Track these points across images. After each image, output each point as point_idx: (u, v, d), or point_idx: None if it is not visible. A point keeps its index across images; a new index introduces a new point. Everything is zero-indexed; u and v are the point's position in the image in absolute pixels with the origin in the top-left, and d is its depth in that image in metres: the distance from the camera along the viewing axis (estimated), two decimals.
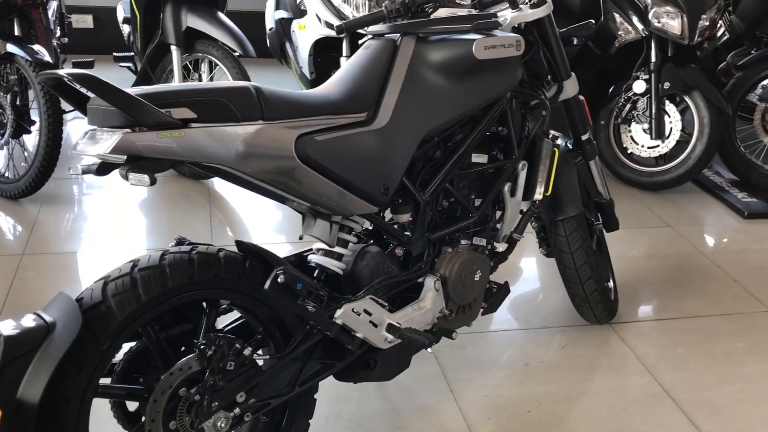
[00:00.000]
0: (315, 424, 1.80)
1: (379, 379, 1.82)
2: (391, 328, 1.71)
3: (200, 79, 3.53)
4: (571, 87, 2.17)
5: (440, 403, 2.12)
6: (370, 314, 1.68)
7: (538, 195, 2.06)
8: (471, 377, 2.24)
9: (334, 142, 1.56)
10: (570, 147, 2.29)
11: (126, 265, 1.47)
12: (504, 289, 2.12)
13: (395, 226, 1.83)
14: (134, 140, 1.32)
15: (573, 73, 2.19)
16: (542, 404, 2.15)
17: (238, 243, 1.63)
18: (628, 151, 3.74)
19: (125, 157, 1.36)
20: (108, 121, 1.36)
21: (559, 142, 2.18)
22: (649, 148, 3.66)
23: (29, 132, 3.28)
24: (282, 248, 3.00)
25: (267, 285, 1.52)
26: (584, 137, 2.30)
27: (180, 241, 1.64)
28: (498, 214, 2.05)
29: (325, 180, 1.55)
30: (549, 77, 2.12)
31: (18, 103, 3.25)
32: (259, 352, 1.64)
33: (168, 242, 1.62)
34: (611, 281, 2.56)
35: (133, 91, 1.36)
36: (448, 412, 2.09)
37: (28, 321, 1.32)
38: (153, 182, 1.34)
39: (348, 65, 1.75)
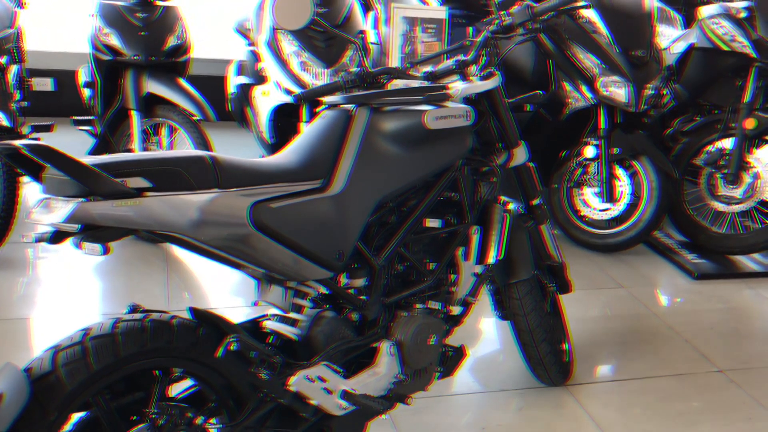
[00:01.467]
0: None
1: None
2: (345, 394, 1.71)
3: (160, 144, 3.55)
4: (521, 154, 2.25)
5: None
6: (324, 381, 1.68)
7: (492, 259, 2.10)
8: None
9: (288, 209, 1.59)
10: (522, 212, 2.36)
11: (77, 334, 1.46)
12: (460, 353, 2.14)
13: (351, 291, 1.85)
14: (89, 209, 1.33)
15: (523, 141, 2.27)
16: None
17: (192, 310, 1.63)
18: (581, 214, 3.84)
19: (79, 226, 1.37)
20: (63, 191, 1.37)
21: (510, 207, 2.24)
22: (600, 210, 3.77)
23: None
24: (239, 312, 2.98)
25: (220, 353, 1.52)
26: (535, 202, 2.37)
27: (134, 308, 1.64)
28: (452, 277, 2.09)
29: (279, 247, 1.57)
30: (500, 145, 2.19)
31: None
32: (213, 420, 1.62)
33: (123, 307, 1.62)
34: (567, 343, 2.60)
35: (89, 160, 1.38)
36: None
37: None
38: (106, 251, 1.35)
39: (304, 134, 1.80)
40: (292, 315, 1.72)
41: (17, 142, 1.31)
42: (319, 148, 1.74)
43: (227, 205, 1.49)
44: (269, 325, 1.73)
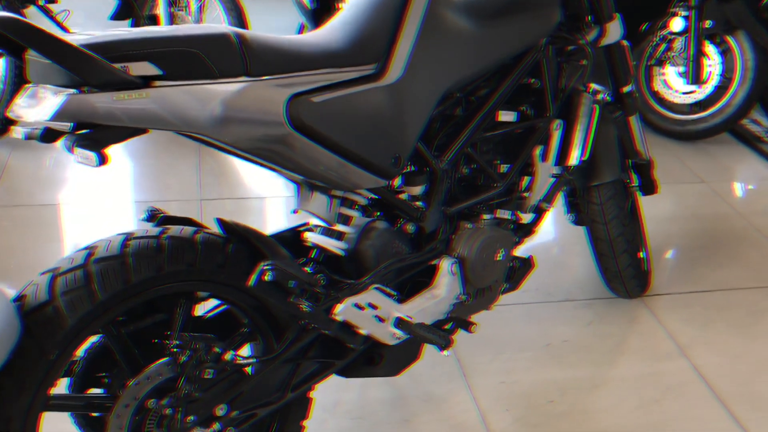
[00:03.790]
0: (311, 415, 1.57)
1: (385, 375, 1.58)
2: (400, 322, 1.45)
3: (189, 10, 3.19)
4: (615, 30, 1.86)
5: (451, 391, 1.90)
6: (375, 308, 1.42)
7: (575, 159, 1.77)
8: (485, 360, 2.01)
9: (334, 104, 1.28)
10: (609, 100, 1.99)
11: (79, 254, 1.21)
12: (528, 265, 1.86)
13: (406, 198, 1.55)
14: (83, 103, 1.05)
15: (617, 14, 1.87)
16: (566, 393, 1.92)
17: (220, 222, 1.36)
18: (660, 96, 3.43)
19: (71, 125, 1.08)
20: (49, 78, 1.08)
21: (600, 97, 1.87)
22: (684, 93, 3.35)
23: None
24: (278, 203, 2.73)
25: (252, 282, 1.26)
26: (626, 89, 2.00)
27: (152, 214, 1.38)
28: (526, 181, 1.77)
29: (323, 150, 1.28)
30: (589, 18, 1.80)
31: None
32: (243, 352, 1.39)
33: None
34: (644, 250, 2.29)
35: (79, 39, 1.07)
36: (460, 401, 1.87)
37: None
38: (102, 161, 1.06)
39: (353, 4, 1.44)
40: (338, 227, 1.45)
41: None
42: (373, 22, 1.39)
43: (258, 98, 1.18)
44: (311, 237, 1.46)
